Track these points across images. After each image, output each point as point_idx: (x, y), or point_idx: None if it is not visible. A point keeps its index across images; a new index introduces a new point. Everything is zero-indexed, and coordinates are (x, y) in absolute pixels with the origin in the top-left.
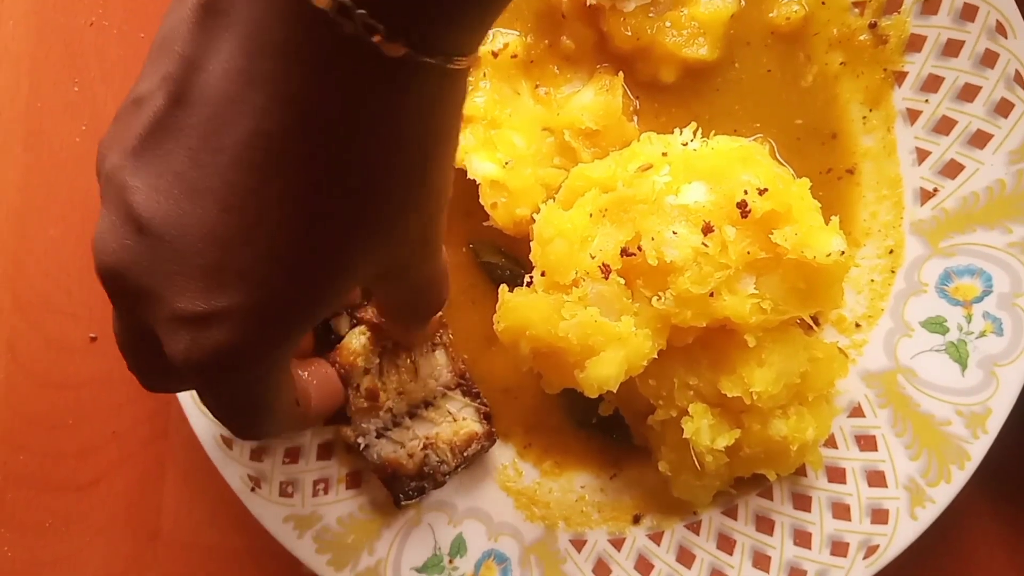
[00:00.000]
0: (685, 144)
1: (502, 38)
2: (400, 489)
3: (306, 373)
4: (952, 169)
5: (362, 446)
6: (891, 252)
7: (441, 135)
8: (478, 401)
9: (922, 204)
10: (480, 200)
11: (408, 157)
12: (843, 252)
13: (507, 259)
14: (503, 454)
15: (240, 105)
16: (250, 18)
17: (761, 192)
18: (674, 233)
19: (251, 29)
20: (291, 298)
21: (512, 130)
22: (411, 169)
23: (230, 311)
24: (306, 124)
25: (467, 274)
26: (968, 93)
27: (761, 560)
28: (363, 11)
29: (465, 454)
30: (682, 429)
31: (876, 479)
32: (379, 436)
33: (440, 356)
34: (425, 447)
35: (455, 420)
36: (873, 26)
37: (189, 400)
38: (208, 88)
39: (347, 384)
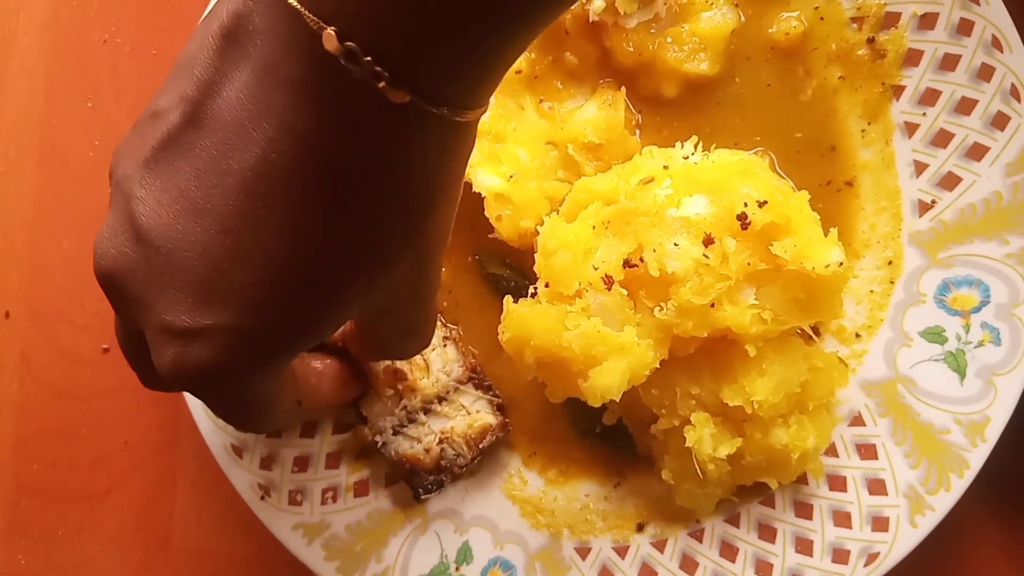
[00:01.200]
0: (686, 157)
1: None
2: (419, 484)
3: (320, 364)
4: (950, 181)
5: (379, 444)
6: (890, 263)
7: (443, 184)
8: (491, 393)
9: (920, 216)
10: (485, 212)
11: (408, 203)
12: (842, 263)
13: (512, 270)
14: (509, 462)
15: (250, 133)
16: (267, 51)
17: (761, 204)
18: (675, 245)
19: (268, 62)
20: (279, 326)
21: (517, 144)
22: (410, 214)
23: (214, 330)
24: (310, 159)
25: (472, 284)
26: (965, 106)
27: (763, 567)
28: (369, 58)
29: (480, 446)
30: (684, 438)
31: (876, 487)
32: (395, 433)
33: (451, 351)
34: (441, 441)
35: (469, 413)
36: (871, 41)
37: (199, 410)
38: (222, 113)
39: (364, 374)
